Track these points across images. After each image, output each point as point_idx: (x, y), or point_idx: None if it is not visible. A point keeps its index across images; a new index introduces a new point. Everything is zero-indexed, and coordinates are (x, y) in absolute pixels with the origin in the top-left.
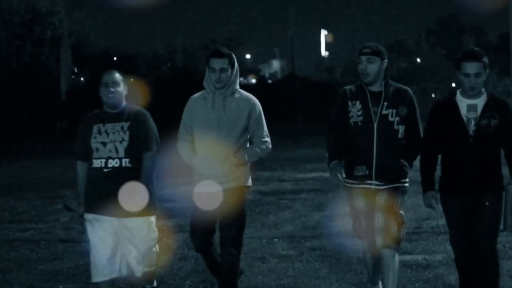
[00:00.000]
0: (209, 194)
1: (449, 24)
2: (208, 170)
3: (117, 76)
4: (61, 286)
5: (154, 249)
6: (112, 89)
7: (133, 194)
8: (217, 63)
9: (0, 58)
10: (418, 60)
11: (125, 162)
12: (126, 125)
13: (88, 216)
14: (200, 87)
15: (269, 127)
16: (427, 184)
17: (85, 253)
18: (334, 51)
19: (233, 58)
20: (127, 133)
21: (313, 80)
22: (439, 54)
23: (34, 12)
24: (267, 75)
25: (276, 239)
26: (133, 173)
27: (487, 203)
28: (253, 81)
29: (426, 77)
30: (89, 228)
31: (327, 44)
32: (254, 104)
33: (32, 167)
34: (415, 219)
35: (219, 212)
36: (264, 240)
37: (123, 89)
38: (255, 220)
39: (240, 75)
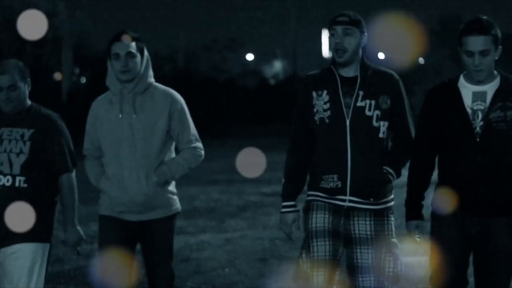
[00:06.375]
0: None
1: (451, 24)
2: (122, 195)
3: (16, 75)
4: None
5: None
6: (8, 94)
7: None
8: (122, 47)
9: (0, 59)
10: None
11: (20, 181)
12: (28, 133)
13: None
14: (202, 87)
15: (270, 128)
16: (411, 209)
17: (86, 255)
18: None
19: (142, 43)
20: (28, 144)
21: None
22: (442, 54)
23: None
24: (269, 76)
25: (277, 241)
26: (29, 197)
27: (500, 237)
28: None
29: (429, 77)
30: None
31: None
32: (174, 100)
33: None
34: None
35: (143, 249)
36: (266, 242)
37: (25, 88)
38: (257, 222)
39: (243, 76)
